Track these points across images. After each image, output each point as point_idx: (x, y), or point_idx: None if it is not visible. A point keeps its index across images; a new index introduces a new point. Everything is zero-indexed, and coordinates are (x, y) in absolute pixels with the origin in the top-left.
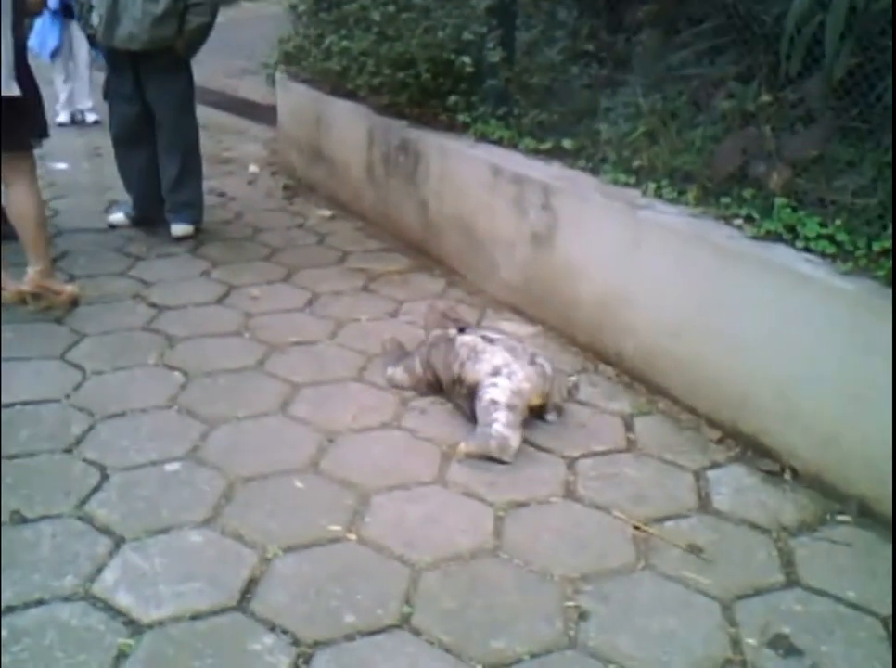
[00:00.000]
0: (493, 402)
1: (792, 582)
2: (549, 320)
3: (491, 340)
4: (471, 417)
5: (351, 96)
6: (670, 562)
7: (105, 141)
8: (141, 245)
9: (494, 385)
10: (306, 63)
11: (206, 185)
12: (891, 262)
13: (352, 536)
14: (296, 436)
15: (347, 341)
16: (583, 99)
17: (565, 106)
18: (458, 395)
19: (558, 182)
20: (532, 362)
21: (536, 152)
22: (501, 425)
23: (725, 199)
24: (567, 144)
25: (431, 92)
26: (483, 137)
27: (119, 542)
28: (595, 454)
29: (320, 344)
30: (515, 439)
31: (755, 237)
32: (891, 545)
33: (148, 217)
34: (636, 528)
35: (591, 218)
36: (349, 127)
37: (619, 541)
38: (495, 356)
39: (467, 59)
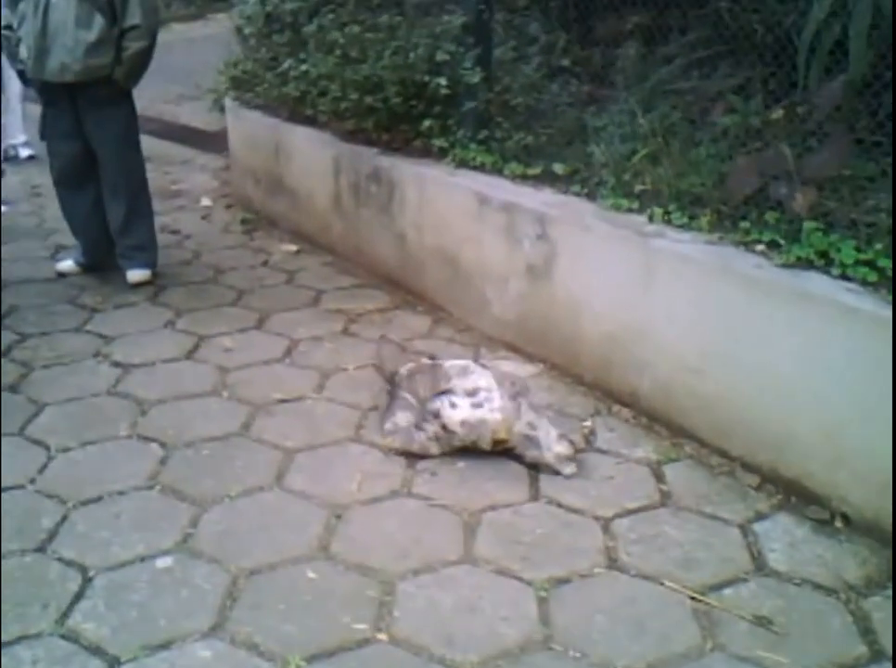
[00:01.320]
0: (436, 413)
1: (877, 653)
2: (550, 358)
3: (483, 365)
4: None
5: (311, 122)
6: (739, 639)
7: (43, 178)
8: (95, 294)
9: (453, 406)
10: (260, 89)
11: (157, 222)
12: (892, 270)
13: (383, 636)
14: (298, 514)
15: (336, 395)
16: (570, 119)
17: (551, 127)
18: None
19: (554, 210)
20: (514, 398)
21: (524, 178)
22: (426, 436)
23: (744, 224)
24: (558, 168)
25: (401, 116)
26: (463, 163)
27: (113, 664)
28: (630, 512)
29: (307, 400)
30: (436, 448)
31: (784, 265)
32: None
33: (101, 263)
34: (694, 599)
35: (595, 248)
36: (312, 155)
37: (678, 616)
38: (482, 379)
39: (442, 81)
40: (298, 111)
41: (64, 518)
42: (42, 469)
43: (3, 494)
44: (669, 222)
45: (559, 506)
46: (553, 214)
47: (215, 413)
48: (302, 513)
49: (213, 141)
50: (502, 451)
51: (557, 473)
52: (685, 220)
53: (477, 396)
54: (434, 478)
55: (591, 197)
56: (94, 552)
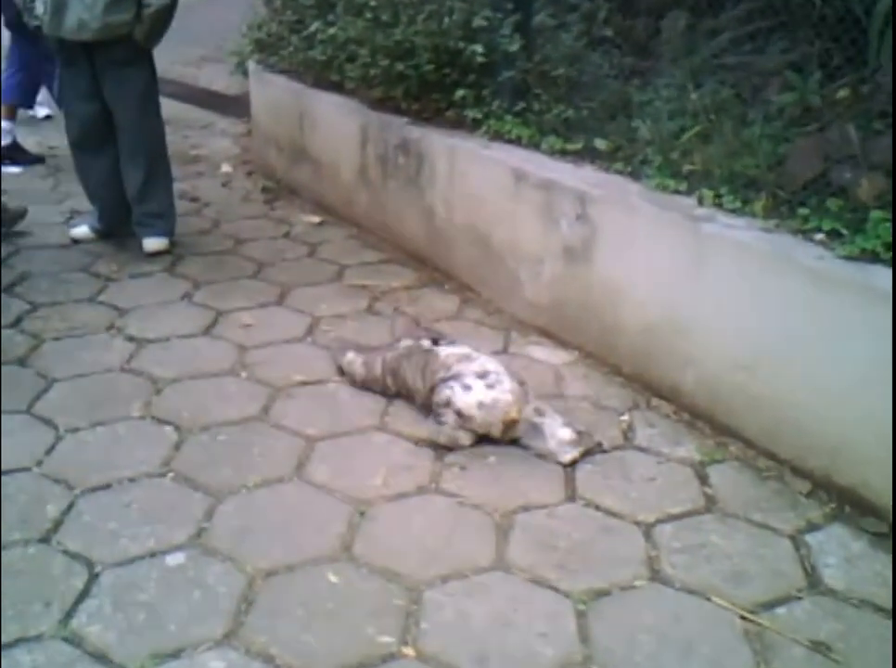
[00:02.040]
0: (447, 402)
1: None
2: (586, 346)
3: (483, 354)
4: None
5: (337, 88)
6: (795, 667)
7: (60, 139)
8: (110, 263)
9: (466, 388)
10: (286, 52)
11: (176, 188)
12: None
13: (410, 651)
14: (320, 509)
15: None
16: (612, 92)
17: (592, 100)
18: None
19: (596, 189)
20: (521, 384)
21: (562, 153)
22: (450, 427)
23: (803, 211)
24: (600, 144)
25: (433, 85)
26: (497, 136)
27: None
28: (673, 517)
29: (330, 383)
30: (465, 438)
31: (848, 257)
32: None
33: (117, 230)
34: (744, 618)
35: (640, 231)
36: (338, 124)
37: (728, 638)
38: (488, 363)
39: (478, 48)
40: (324, 77)
41: (71, 505)
42: (49, 451)
43: (6, 478)
44: (720, 205)
45: (597, 508)
46: (595, 194)
47: (233, 394)
48: (324, 509)
49: (234, 105)
50: (510, 441)
51: (558, 463)
52: (738, 204)
53: (488, 378)
54: (464, 473)
55: (635, 176)
56: (101, 545)
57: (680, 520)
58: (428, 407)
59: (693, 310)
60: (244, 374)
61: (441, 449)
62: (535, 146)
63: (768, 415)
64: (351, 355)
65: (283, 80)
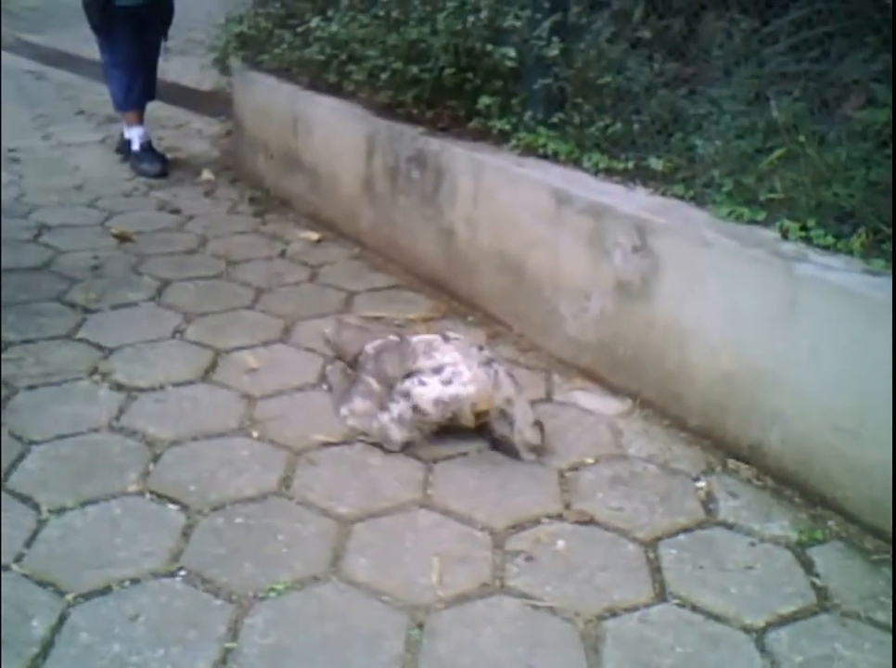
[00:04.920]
0: (406, 394)
1: None
2: (642, 393)
3: (447, 339)
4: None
5: (335, 91)
6: None
7: (20, 141)
8: (88, 290)
9: (423, 384)
10: (279, 51)
11: (156, 198)
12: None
13: None
14: (368, 620)
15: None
16: (663, 103)
17: (642, 112)
18: None
19: (659, 217)
20: (487, 364)
21: (607, 172)
22: (389, 418)
23: None
24: (655, 163)
25: (449, 90)
26: (529, 150)
27: None
28: (785, 620)
29: (356, 445)
30: (398, 434)
31: None
32: None
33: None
34: None
35: (713, 268)
36: (338, 130)
37: None
38: (446, 354)
39: (510, 52)
40: (321, 78)
41: (62, 619)
42: (30, 541)
43: None
44: (808, 240)
45: (695, 609)
46: (657, 223)
47: (245, 461)
48: (373, 619)
49: (207, 102)
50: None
51: (518, 457)
52: (830, 240)
53: (443, 373)
54: (530, 565)
55: (698, 201)
56: None
57: (794, 622)
58: None
59: (781, 360)
60: (255, 433)
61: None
62: (575, 163)
63: (874, 485)
64: (345, 410)
65: (273, 80)
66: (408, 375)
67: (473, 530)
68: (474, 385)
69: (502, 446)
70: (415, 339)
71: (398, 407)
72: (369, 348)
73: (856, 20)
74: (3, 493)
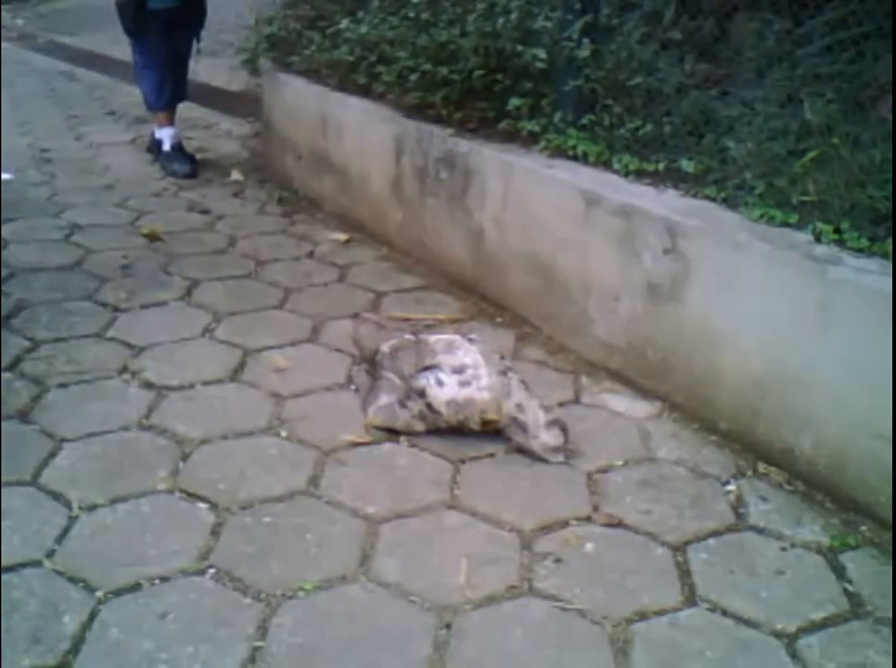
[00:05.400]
0: (421, 392)
1: None
2: (672, 396)
3: (471, 340)
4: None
5: (364, 92)
6: None
7: (54, 142)
8: (118, 290)
9: (440, 383)
10: (308, 52)
11: (185, 198)
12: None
13: None
14: (396, 620)
15: (419, 439)
16: (695, 105)
17: (671, 113)
18: None
19: (690, 219)
20: (503, 374)
21: (638, 174)
22: (410, 414)
23: None
24: (687, 165)
25: (478, 91)
26: (558, 152)
27: None
28: (817, 626)
29: (384, 445)
30: (420, 426)
31: None
32: None
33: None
34: None
35: (746, 271)
36: (368, 131)
37: None
38: (468, 355)
39: (540, 53)
40: (350, 80)
41: (93, 615)
42: (61, 537)
43: (13, 576)
44: (842, 243)
45: (725, 614)
46: (689, 225)
47: (274, 460)
48: (401, 619)
49: (237, 103)
50: (492, 431)
51: (545, 460)
52: (865, 242)
53: (464, 374)
54: (559, 567)
55: (730, 204)
56: None
57: (826, 629)
58: None
59: (814, 364)
60: (283, 432)
61: (396, 434)
62: (605, 164)
63: None
64: (372, 412)
65: (302, 82)
66: (426, 368)
67: (501, 531)
68: (489, 392)
69: (526, 451)
70: (433, 338)
71: (416, 405)
72: (385, 347)
73: (891, 21)
74: (34, 490)
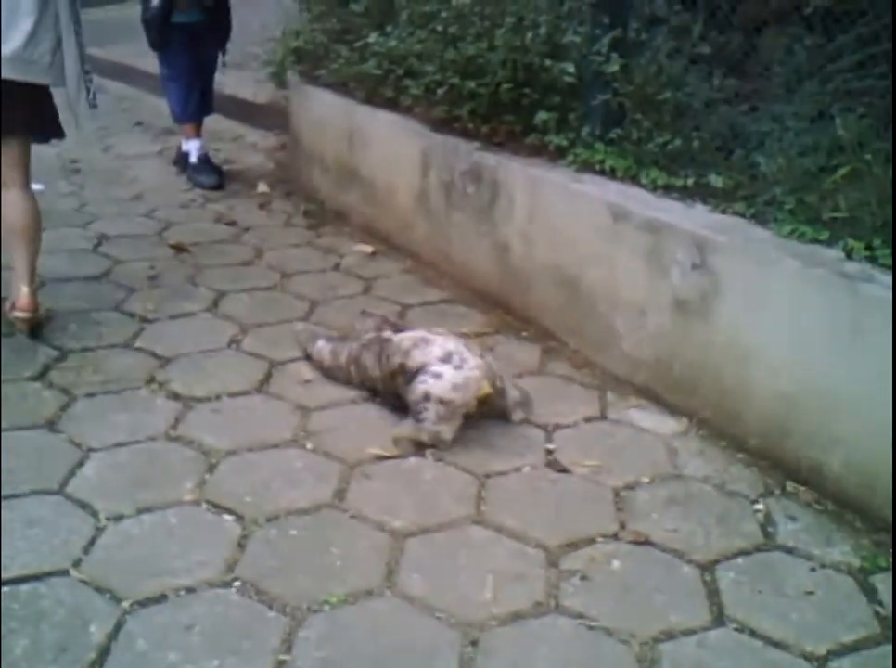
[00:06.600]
0: (426, 396)
1: None
2: (700, 413)
3: (440, 333)
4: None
5: (391, 105)
6: None
7: (82, 152)
8: (146, 300)
9: (437, 376)
10: (336, 65)
11: (212, 209)
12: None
13: None
14: (422, 636)
15: (445, 453)
16: (723, 120)
17: (701, 129)
18: (398, 387)
19: (719, 235)
20: (481, 356)
21: (666, 189)
22: (430, 422)
23: None
24: (716, 181)
25: (505, 106)
26: (585, 166)
27: None
28: (848, 649)
29: (410, 459)
30: (448, 431)
31: None
32: None
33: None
34: None
35: (776, 287)
36: (394, 144)
37: None
38: (448, 342)
39: (569, 67)
40: (377, 93)
41: (119, 626)
42: (88, 547)
43: (40, 585)
44: (873, 260)
45: (753, 634)
46: (718, 241)
47: (299, 473)
48: (427, 635)
49: (263, 115)
50: (484, 409)
51: (509, 420)
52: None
53: (452, 360)
54: (585, 584)
55: (759, 220)
56: None
57: (857, 652)
58: (388, 395)
59: (845, 382)
60: (309, 445)
61: (423, 447)
62: (632, 179)
63: None
64: (321, 343)
65: (329, 95)
66: (413, 376)
67: (527, 547)
68: (479, 370)
69: (502, 412)
70: (396, 337)
71: (429, 412)
72: (364, 337)
73: None
74: (62, 499)
